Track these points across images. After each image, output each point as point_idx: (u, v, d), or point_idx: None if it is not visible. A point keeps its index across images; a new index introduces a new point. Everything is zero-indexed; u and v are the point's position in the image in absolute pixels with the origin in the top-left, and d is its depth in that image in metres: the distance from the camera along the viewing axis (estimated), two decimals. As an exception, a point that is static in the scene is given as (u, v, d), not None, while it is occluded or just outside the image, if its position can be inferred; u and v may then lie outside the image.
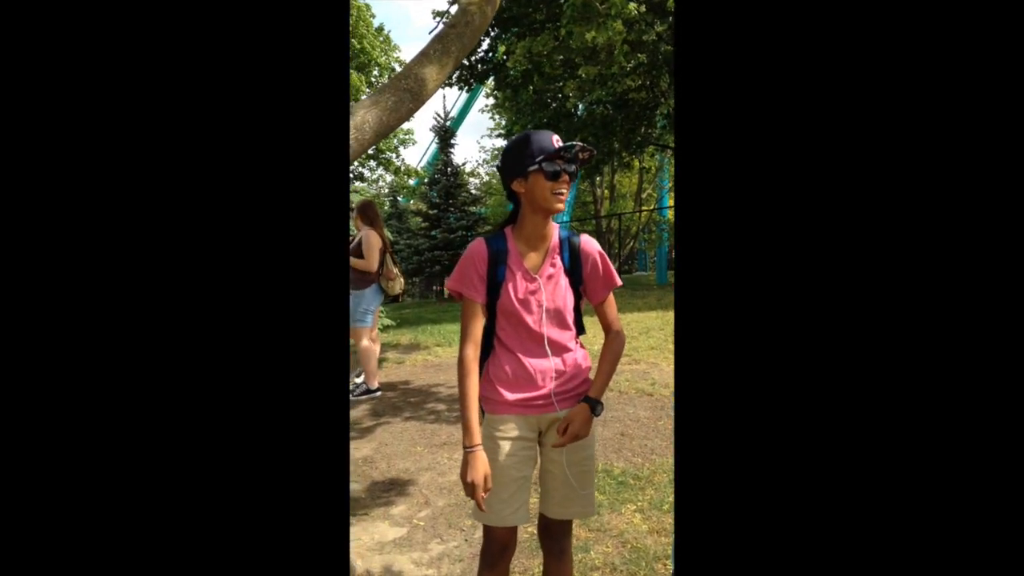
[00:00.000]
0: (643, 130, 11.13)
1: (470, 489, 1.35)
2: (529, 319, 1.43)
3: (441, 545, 2.42)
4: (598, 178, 17.65)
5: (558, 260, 1.47)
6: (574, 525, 2.43)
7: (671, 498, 2.59)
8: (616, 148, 11.15)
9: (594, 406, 1.45)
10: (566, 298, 1.46)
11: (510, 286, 1.43)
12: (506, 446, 1.43)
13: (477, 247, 1.45)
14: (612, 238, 18.06)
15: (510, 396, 1.44)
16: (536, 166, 1.35)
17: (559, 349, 1.46)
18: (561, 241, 1.47)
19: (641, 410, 3.82)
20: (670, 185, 18.58)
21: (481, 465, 1.35)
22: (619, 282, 1.50)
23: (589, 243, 1.49)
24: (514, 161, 1.40)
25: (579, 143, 1.40)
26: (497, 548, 1.45)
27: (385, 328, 7.47)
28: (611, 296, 1.52)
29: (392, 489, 3.02)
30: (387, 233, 4.09)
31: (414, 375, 5.84)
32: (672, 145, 12.61)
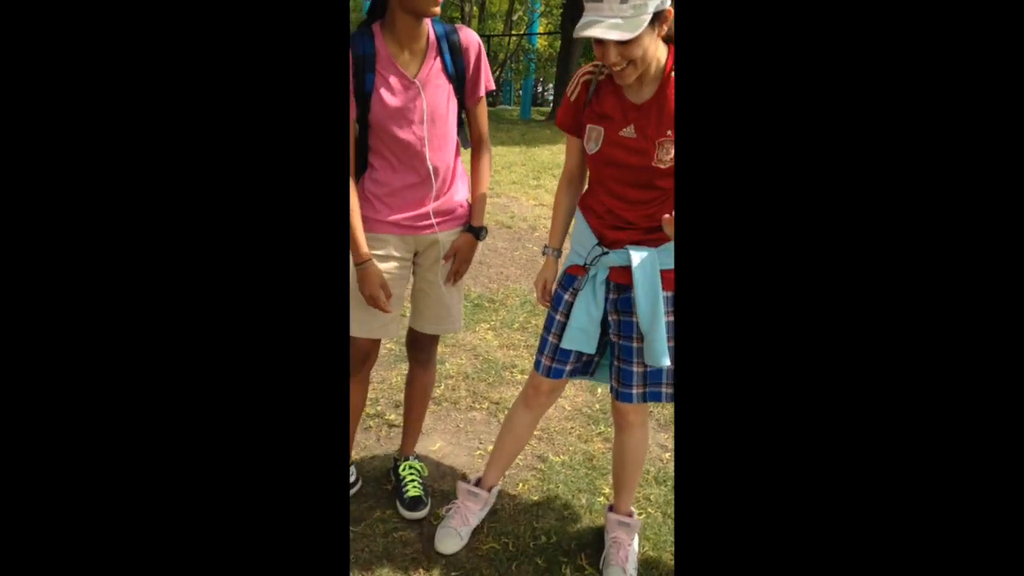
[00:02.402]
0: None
1: (372, 301, 1.33)
2: (407, 131, 1.29)
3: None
4: (468, -9, 16.00)
5: (437, 61, 1.30)
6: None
7: (521, 318, 2.83)
8: (491, -44, 10.01)
9: (478, 233, 1.43)
10: (449, 105, 1.32)
11: (383, 93, 1.26)
12: (380, 264, 1.39)
13: None
14: (479, 63, 17.06)
15: (387, 215, 1.36)
16: None
17: (440, 164, 1.35)
18: (439, 38, 1.30)
19: (499, 241, 3.96)
20: (542, 8, 17.49)
21: (375, 276, 1.31)
22: (492, 84, 1.38)
23: (469, 36, 1.32)
24: None
25: None
26: (360, 356, 1.49)
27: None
28: (484, 100, 1.41)
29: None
30: None
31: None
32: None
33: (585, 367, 1.41)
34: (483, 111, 1.40)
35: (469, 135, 1.44)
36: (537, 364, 1.40)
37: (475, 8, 18.16)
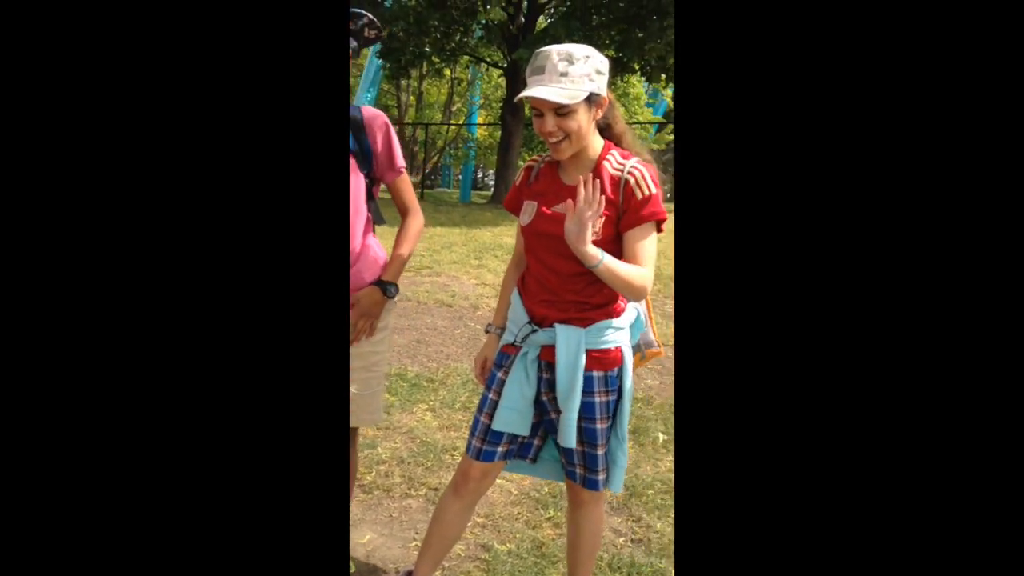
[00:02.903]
0: (459, 37, 10.70)
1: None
2: None
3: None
4: (404, 81, 16.72)
5: None
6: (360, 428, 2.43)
7: (463, 397, 2.71)
8: (427, 52, 10.59)
9: (385, 288, 1.36)
10: (354, 183, 1.29)
11: None
12: None
13: None
14: (417, 148, 17.55)
15: None
16: None
17: None
18: None
19: (439, 319, 3.88)
20: (481, 101, 18.50)
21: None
22: (402, 164, 1.37)
23: (373, 115, 1.32)
24: None
25: (367, 15, 1.22)
26: None
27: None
28: (404, 175, 1.40)
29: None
30: None
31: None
32: (488, 60, 12.42)
33: (522, 450, 1.35)
34: (405, 183, 1.40)
35: (396, 208, 1.44)
36: (468, 446, 1.34)
37: (411, 98, 18.99)
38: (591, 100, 1.16)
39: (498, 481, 2.06)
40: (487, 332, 1.41)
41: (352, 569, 1.51)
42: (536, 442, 1.34)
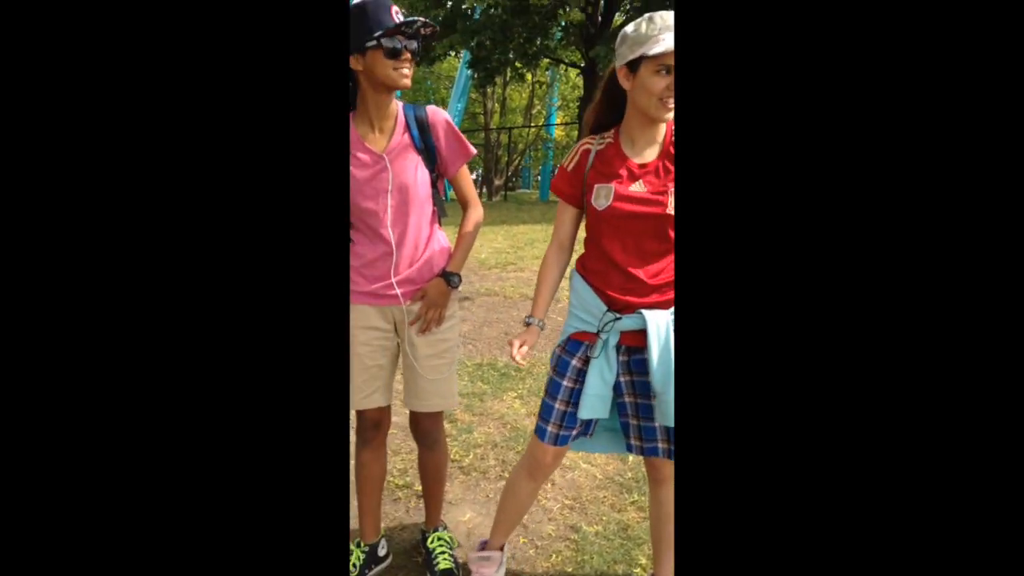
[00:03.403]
0: (540, 41, 10.87)
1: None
2: (372, 202, 1.34)
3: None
4: (489, 89, 17.14)
5: (406, 137, 1.36)
6: (457, 409, 2.59)
7: (548, 388, 2.81)
8: (511, 58, 10.83)
9: (449, 278, 1.41)
10: (416, 176, 1.36)
11: (352, 170, 1.33)
12: (360, 335, 1.41)
13: None
14: (501, 152, 17.92)
15: (364, 286, 1.40)
16: (374, 42, 1.23)
17: (407, 234, 1.38)
18: (407, 116, 1.37)
19: (525, 313, 4.01)
20: (559, 103, 18.60)
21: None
22: (473, 151, 1.42)
23: (436, 113, 1.40)
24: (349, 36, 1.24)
25: (421, 18, 1.28)
26: (368, 424, 1.50)
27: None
28: (465, 168, 1.44)
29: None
30: None
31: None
32: (566, 60, 12.51)
33: (586, 428, 1.38)
34: (466, 177, 1.47)
35: (458, 200, 1.50)
36: (541, 432, 1.34)
37: (496, 104, 19.39)
38: None
39: (584, 466, 2.14)
40: (528, 324, 1.37)
41: (456, 544, 1.64)
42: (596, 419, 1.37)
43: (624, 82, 1.21)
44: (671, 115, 1.19)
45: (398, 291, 1.39)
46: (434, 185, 1.41)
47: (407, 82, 1.29)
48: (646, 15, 1.19)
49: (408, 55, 1.26)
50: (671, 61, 1.13)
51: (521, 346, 1.32)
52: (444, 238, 1.48)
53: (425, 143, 1.37)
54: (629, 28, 1.20)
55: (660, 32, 1.14)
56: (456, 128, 1.42)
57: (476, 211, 1.49)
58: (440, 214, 1.44)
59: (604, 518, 1.86)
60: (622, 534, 1.78)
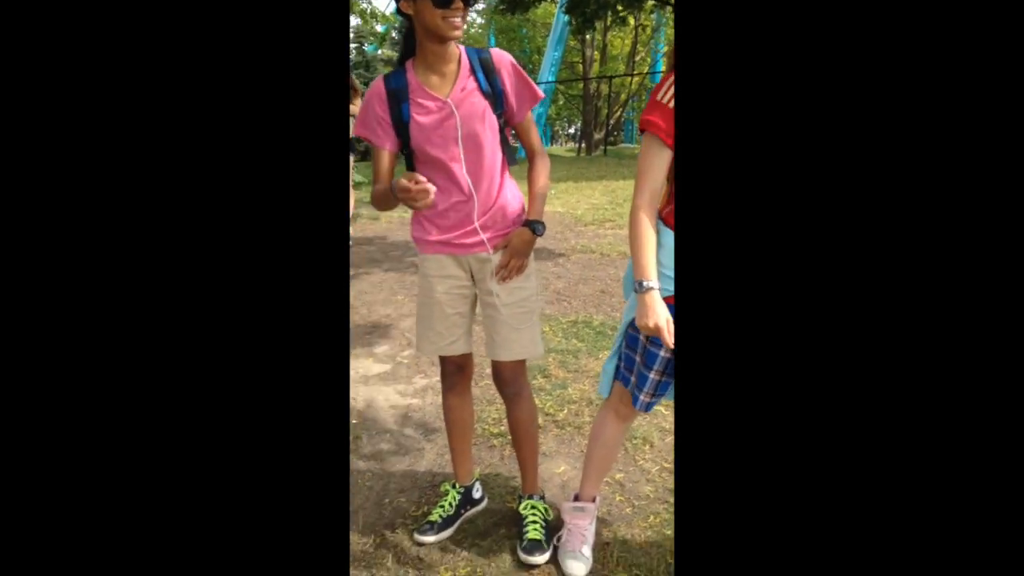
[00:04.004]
0: (645, -20, 10.15)
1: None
2: (442, 149, 1.30)
3: (425, 379, 2.52)
4: (588, 36, 16.37)
5: (471, 81, 1.30)
6: (552, 365, 2.58)
7: (647, 347, 2.71)
8: (612, 0, 10.23)
9: (534, 227, 1.37)
10: (485, 121, 1.30)
11: (417, 117, 1.29)
12: (438, 284, 1.40)
13: (375, 86, 1.31)
14: (600, 103, 17.22)
15: (438, 236, 1.38)
16: None
17: (482, 180, 1.34)
18: (471, 60, 1.31)
19: (622, 270, 3.88)
20: (666, 49, 17.44)
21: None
22: (541, 94, 1.36)
23: (500, 55, 1.34)
24: None
25: None
26: (452, 369, 1.51)
27: (358, 185, 7.25)
28: (531, 115, 1.39)
29: (374, 332, 3.08)
30: (356, 82, 3.79)
31: (390, 231, 5.78)
32: (673, 1, 11.61)
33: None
34: (531, 125, 1.40)
35: (523, 147, 1.45)
36: (635, 399, 1.31)
37: (596, 52, 18.57)
38: None
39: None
40: (642, 291, 1.14)
41: (550, 515, 1.60)
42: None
43: None
44: None
45: (483, 236, 1.37)
46: (502, 131, 1.36)
47: (458, 33, 1.23)
48: None
49: (460, 4, 1.19)
50: None
51: (670, 327, 1.14)
52: (515, 186, 1.44)
53: (492, 86, 1.32)
54: None
55: None
56: (521, 69, 1.35)
57: (545, 160, 1.44)
58: (509, 161, 1.40)
59: (705, 484, 1.77)
60: (725, 502, 1.69)
